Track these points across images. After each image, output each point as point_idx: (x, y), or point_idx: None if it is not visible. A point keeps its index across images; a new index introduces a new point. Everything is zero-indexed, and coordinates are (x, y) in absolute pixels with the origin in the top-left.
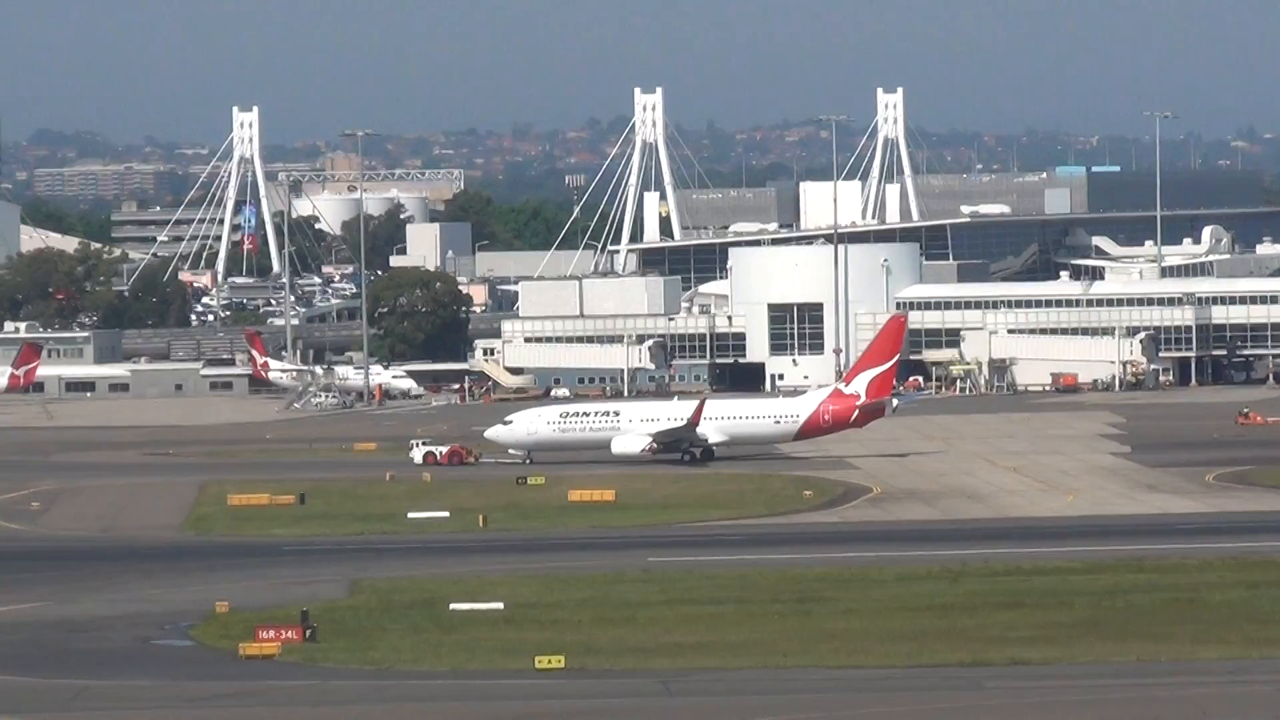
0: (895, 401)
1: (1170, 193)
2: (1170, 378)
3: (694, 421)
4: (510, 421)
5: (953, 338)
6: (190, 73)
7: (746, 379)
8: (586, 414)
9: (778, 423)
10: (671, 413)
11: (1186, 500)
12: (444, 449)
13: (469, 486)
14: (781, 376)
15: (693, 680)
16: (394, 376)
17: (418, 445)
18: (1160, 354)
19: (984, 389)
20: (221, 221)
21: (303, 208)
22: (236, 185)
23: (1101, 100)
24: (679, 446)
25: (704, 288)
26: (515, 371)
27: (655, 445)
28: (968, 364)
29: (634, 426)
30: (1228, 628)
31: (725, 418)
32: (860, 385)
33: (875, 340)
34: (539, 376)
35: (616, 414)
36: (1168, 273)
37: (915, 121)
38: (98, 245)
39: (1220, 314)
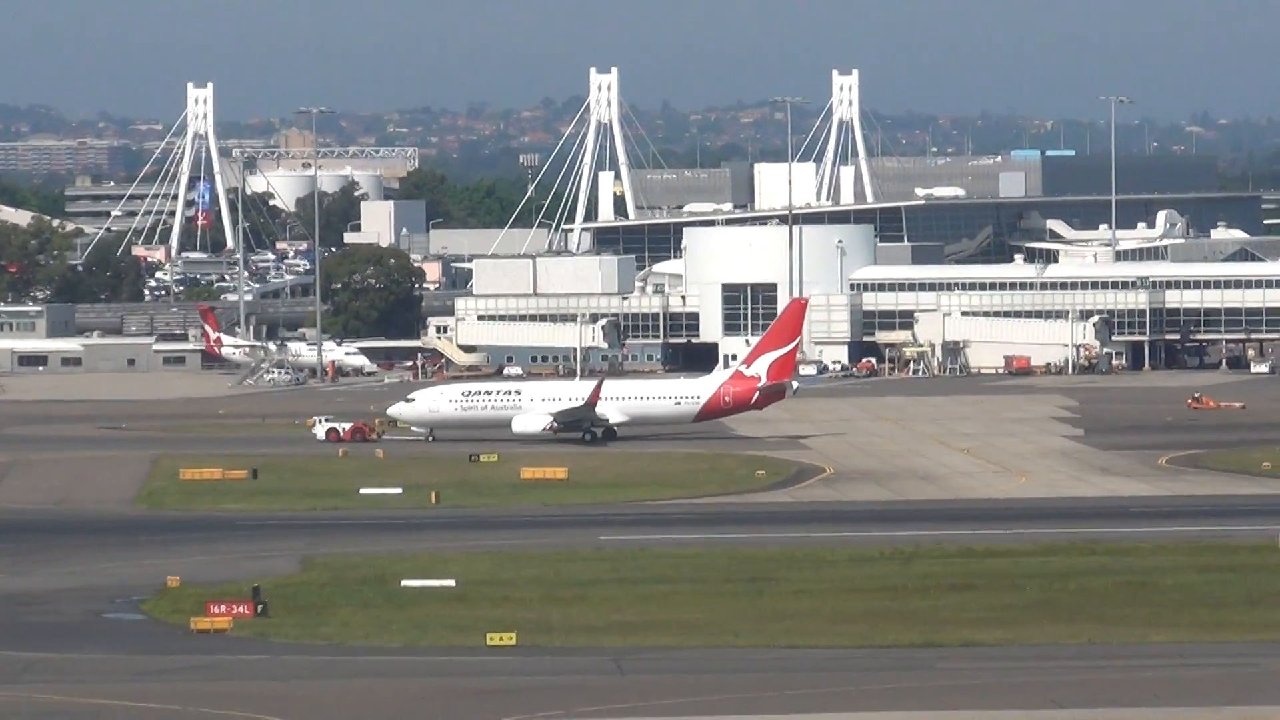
0: (795, 384)
1: (1125, 177)
2: (1123, 361)
3: (592, 401)
4: (413, 399)
5: (906, 319)
6: (144, 48)
7: (700, 359)
8: (489, 393)
9: (678, 404)
10: (572, 392)
11: (1139, 483)
12: (347, 426)
13: (422, 463)
14: (735, 356)
15: (644, 658)
16: (347, 353)
17: (320, 421)
18: (1113, 338)
19: (937, 371)
20: (175, 197)
21: (257, 184)
22: (191, 161)
23: (1056, 84)
24: (580, 426)
25: (658, 267)
26: (468, 349)
27: (556, 425)
28: (921, 346)
29: (535, 406)
30: (1179, 611)
31: (626, 398)
32: (761, 367)
33: (776, 322)
34: (492, 354)
35: (518, 393)
36: (1122, 257)
37: (870, 104)
38: (51, 219)
39: (1174, 298)
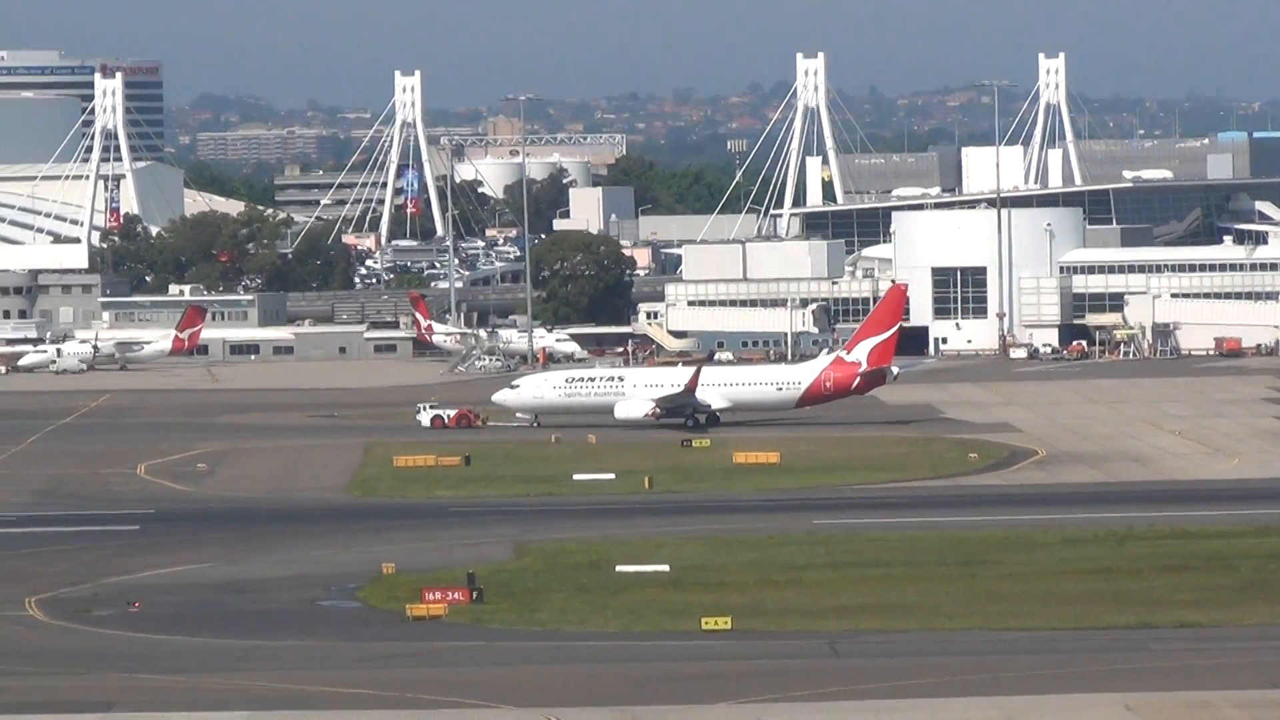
0: (895, 370)
1: None
2: None
3: (690, 387)
4: (518, 386)
5: (1116, 302)
6: (352, 37)
7: (910, 343)
8: (592, 379)
9: (780, 389)
10: (674, 379)
11: None
12: (452, 412)
13: (633, 449)
14: (945, 340)
15: (859, 642)
16: (557, 340)
17: (425, 408)
18: None
19: (1147, 353)
20: (384, 185)
21: (465, 172)
22: (399, 149)
23: (1264, 66)
24: (682, 412)
25: (867, 251)
26: (679, 335)
27: (658, 411)
28: (1131, 328)
29: (637, 392)
30: None
31: (727, 384)
32: (862, 353)
33: (877, 309)
34: (702, 340)
35: (621, 379)
36: None
37: (1077, 87)
38: (261, 208)
39: None
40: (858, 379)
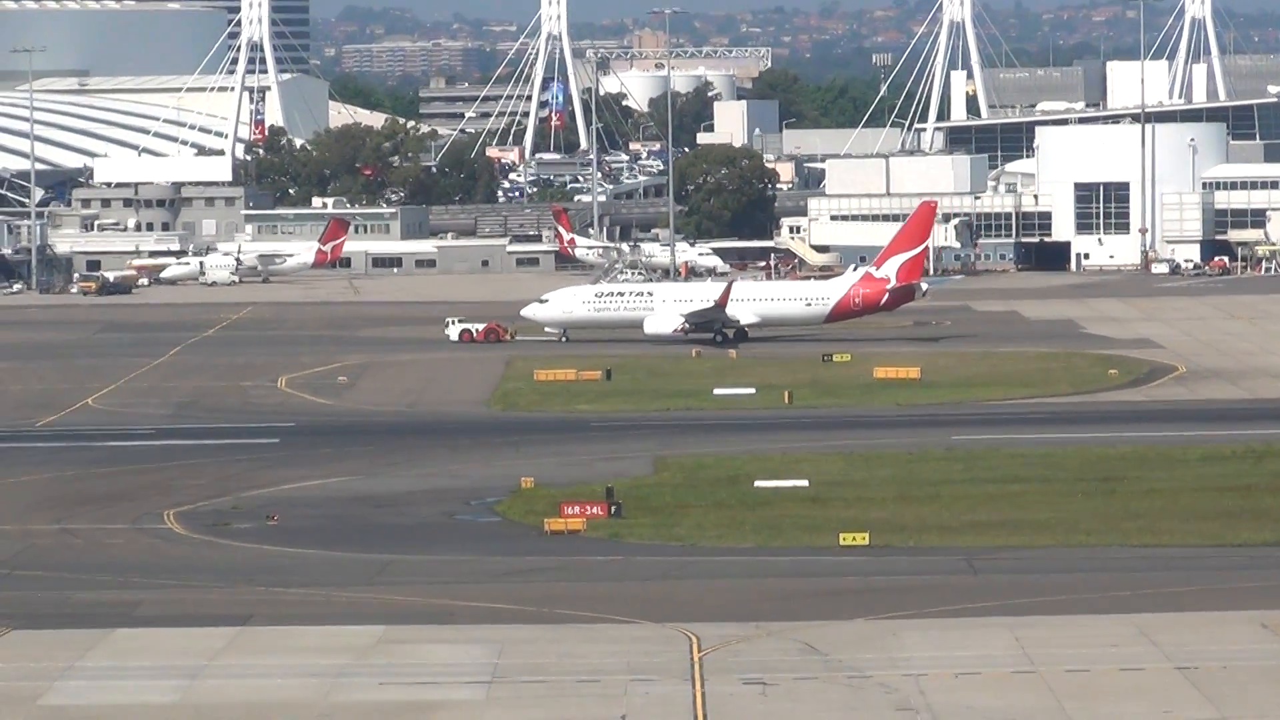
0: (925, 286)
1: None
2: None
3: (722, 303)
4: (547, 300)
5: (1259, 218)
6: None
7: (1052, 258)
8: (621, 294)
9: (809, 305)
10: (704, 294)
11: None
12: (480, 326)
13: (774, 364)
14: (1087, 256)
15: (996, 558)
16: (699, 254)
17: (453, 323)
18: None
19: None
20: (529, 98)
21: (610, 85)
22: (544, 62)
23: None
24: (711, 327)
25: (1010, 166)
26: (821, 249)
27: (687, 325)
28: (1273, 244)
29: (667, 307)
30: None
31: (757, 299)
32: (891, 269)
33: (906, 225)
34: (844, 254)
35: (650, 294)
36: None
37: (1222, 1)
38: (405, 121)
39: None
40: (886, 295)
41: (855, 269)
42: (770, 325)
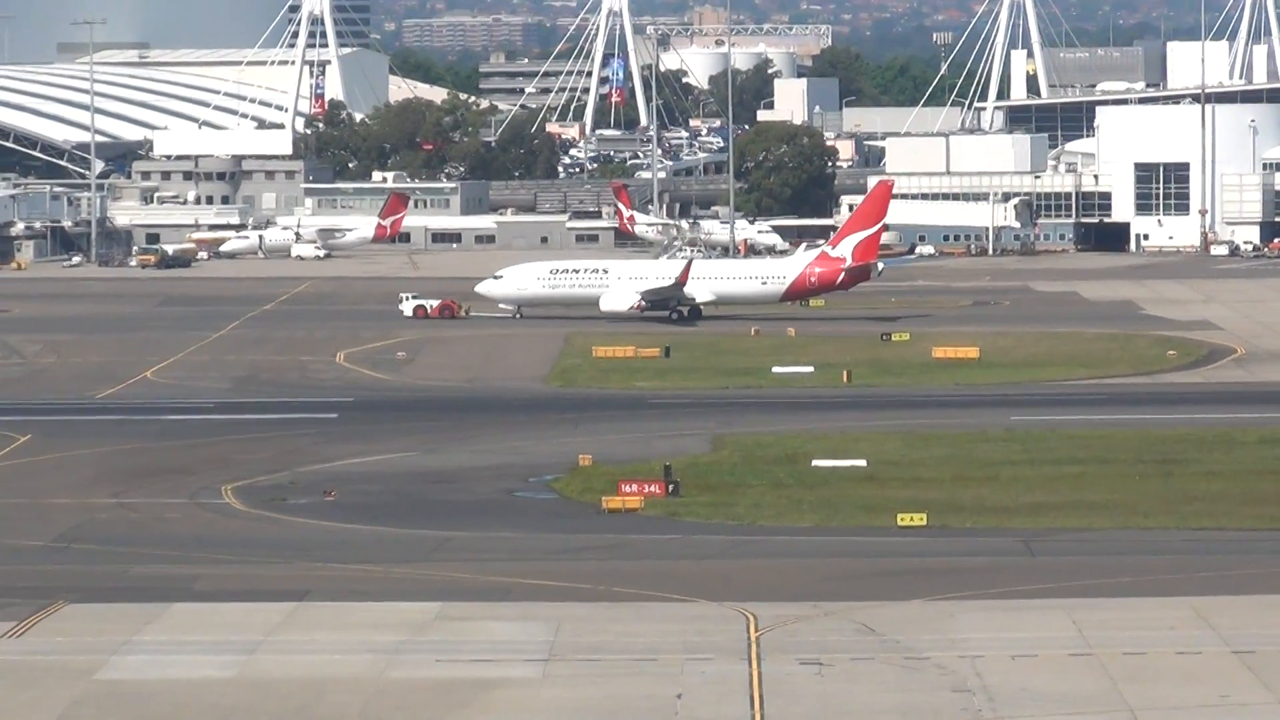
0: (880, 265)
1: None
2: None
3: (681, 281)
4: (501, 276)
5: None
6: None
7: (1111, 238)
8: (576, 270)
9: (764, 283)
10: (660, 272)
11: None
12: (434, 303)
13: (832, 342)
14: (1147, 236)
15: (1054, 540)
16: (759, 231)
17: (407, 299)
18: None
19: None
20: (589, 74)
21: (670, 61)
22: (605, 38)
23: None
24: (666, 305)
25: (1070, 146)
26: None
27: (643, 303)
28: None
29: (622, 284)
30: None
31: (713, 278)
32: (847, 248)
33: (862, 204)
34: (904, 233)
35: (605, 271)
36: None
37: None
38: (465, 96)
39: None
40: (842, 274)
41: (807, 248)
42: (725, 303)
